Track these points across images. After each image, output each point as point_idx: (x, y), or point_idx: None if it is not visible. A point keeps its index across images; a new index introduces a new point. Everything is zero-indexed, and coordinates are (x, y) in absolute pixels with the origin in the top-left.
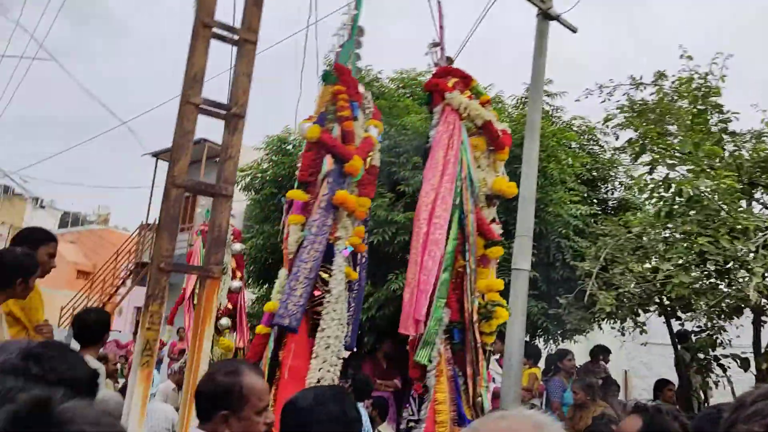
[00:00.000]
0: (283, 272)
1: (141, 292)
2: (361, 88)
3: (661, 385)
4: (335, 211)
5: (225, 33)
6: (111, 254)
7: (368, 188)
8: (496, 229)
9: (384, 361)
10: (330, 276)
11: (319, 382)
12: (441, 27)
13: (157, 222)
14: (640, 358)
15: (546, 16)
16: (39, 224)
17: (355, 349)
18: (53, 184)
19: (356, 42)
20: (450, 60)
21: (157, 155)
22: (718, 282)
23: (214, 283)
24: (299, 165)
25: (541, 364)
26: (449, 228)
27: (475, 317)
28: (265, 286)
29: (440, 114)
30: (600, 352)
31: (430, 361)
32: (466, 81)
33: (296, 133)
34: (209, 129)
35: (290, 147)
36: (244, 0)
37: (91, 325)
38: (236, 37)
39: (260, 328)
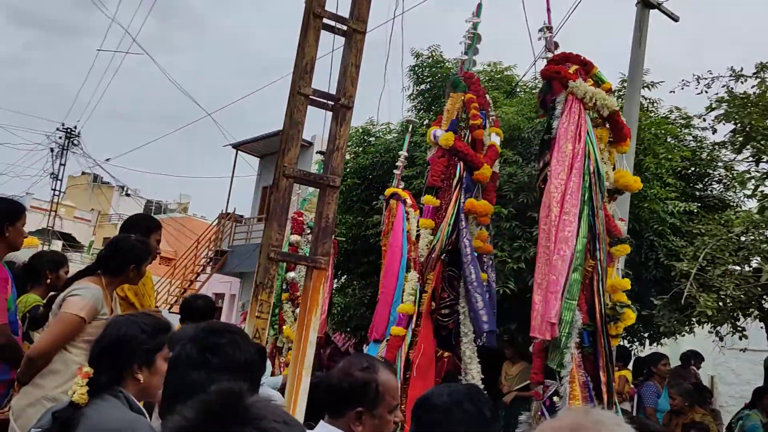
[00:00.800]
0: (413, 275)
1: (219, 278)
2: (486, 96)
3: (762, 393)
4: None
5: (334, 23)
6: (191, 242)
7: (491, 194)
8: (621, 226)
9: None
10: (457, 280)
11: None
12: (549, 10)
13: (267, 208)
14: (728, 364)
15: (646, 4)
16: (124, 211)
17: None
18: (139, 174)
19: (474, 49)
20: (557, 45)
21: (237, 146)
22: None
23: (321, 274)
24: (428, 170)
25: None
26: (579, 225)
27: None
28: (344, 277)
29: (564, 103)
30: (692, 357)
31: (563, 366)
32: (587, 67)
33: (379, 126)
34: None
35: (373, 139)
36: None
37: (200, 309)
38: (345, 28)
39: (397, 330)
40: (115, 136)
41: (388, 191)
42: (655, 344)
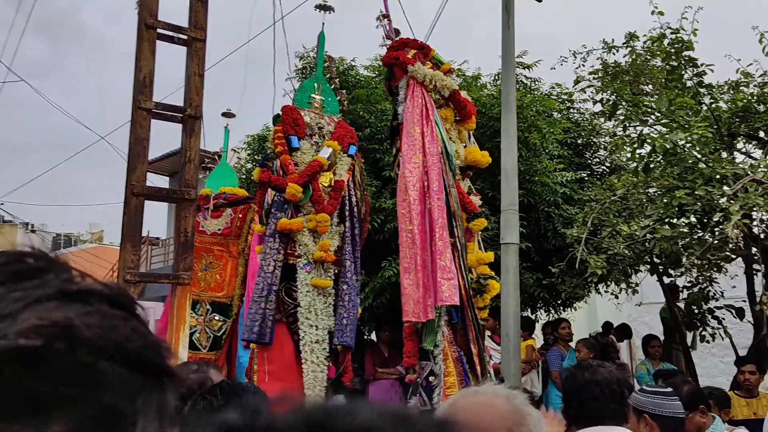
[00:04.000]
0: None
1: (141, 305)
2: (307, 118)
3: (645, 342)
4: (287, 236)
5: (171, 33)
6: (107, 272)
7: (329, 204)
8: (476, 200)
9: (385, 349)
10: (295, 291)
11: (314, 381)
12: None
13: (121, 230)
14: (641, 319)
15: None
16: None
17: (352, 346)
18: (42, 208)
19: (326, 69)
20: (398, 32)
21: None
22: (703, 233)
23: (186, 290)
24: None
25: (537, 335)
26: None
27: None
28: None
29: (405, 88)
30: (614, 330)
31: (436, 345)
32: (424, 51)
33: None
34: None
35: (269, 145)
36: None
37: None
38: (185, 37)
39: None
40: (11, 169)
41: (254, 228)
42: (568, 310)
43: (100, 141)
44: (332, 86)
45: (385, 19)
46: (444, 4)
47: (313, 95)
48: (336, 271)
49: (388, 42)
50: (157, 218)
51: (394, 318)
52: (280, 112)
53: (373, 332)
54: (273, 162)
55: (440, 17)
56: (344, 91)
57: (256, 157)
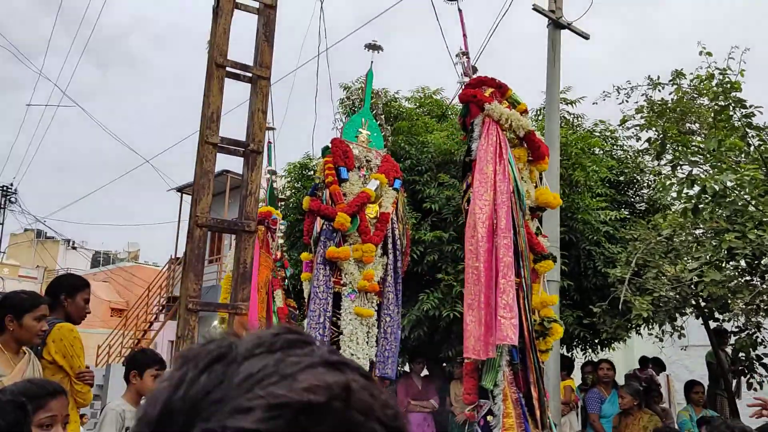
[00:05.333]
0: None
1: (173, 325)
2: (356, 151)
3: (688, 387)
4: (334, 264)
5: (238, 71)
6: (143, 290)
7: (375, 234)
8: (544, 242)
9: (419, 381)
10: (339, 319)
11: None
12: (465, 35)
13: (183, 259)
14: (681, 362)
15: (557, 25)
16: (71, 265)
17: (393, 378)
18: (84, 225)
19: (373, 105)
20: (475, 69)
21: (181, 190)
22: (752, 278)
23: (243, 319)
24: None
25: (576, 375)
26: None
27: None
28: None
29: (481, 126)
30: (650, 362)
31: (496, 384)
32: (502, 90)
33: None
34: (231, 159)
35: (312, 173)
36: (255, 37)
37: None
38: (250, 75)
39: None
40: (56, 189)
41: (302, 256)
42: (605, 350)
43: (144, 163)
44: (378, 122)
45: (465, 57)
46: (488, 37)
47: (360, 129)
48: (378, 302)
49: (466, 79)
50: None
51: (429, 350)
52: (330, 144)
53: (407, 363)
54: (322, 192)
55: (482, 50)
56: (389, 126)
57: (295, 184)
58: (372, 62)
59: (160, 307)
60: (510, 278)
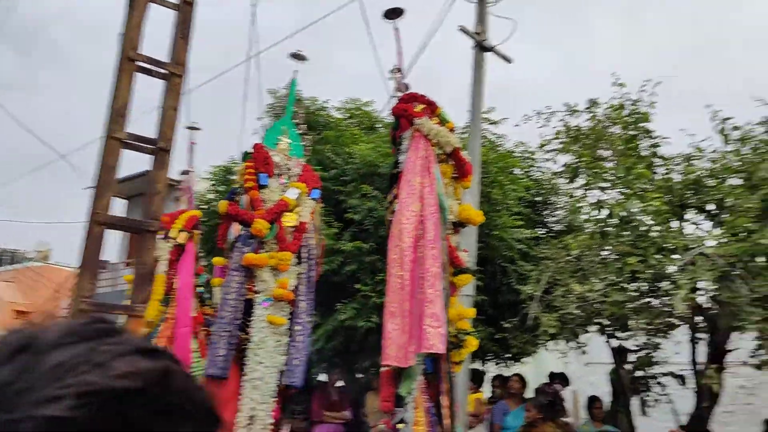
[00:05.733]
0: None
1: None
2: (276, 158)
3: (590, 403)
4: (249, 270)
5: (151, 67)
6: (51, 292)
7: (292, 243)
8: (464, 256)
9: (334, 392)
10: (249, 326)
11: (251, 420)
12: (400, 53)
13: (80, 256)
14: (587, 378)
15: (482, 48)
16: None
17: (300, 387)
18: None
19: (295, 115)
20: (407, 86)
21: None
22: (650, 299)
23: (139, 323)
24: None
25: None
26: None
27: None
28: None
29: (410, 140)
30: (558, 378)
31: (409, 392)
32: (432, 107)
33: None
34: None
35: (235, 177)
36: (172, 34)
37: None
38: (163, 71)
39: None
40: None
41: (213, 260)
42: (516, 364)
43: (59, 159)
44: (299, 131)
45: (398, 73)
46: (418, 55)
47: (280, 137)
48: (291, 311)
49: (399, 94)
50: (110, 241)
51: (345, 361)
52: (251, 150)
53: (321, 374)
54: (240, 197)
55: (414, 67)
56: (310, 136)
57: (218, 188)
58: (296, 71)
59: (69, 311)
60: (438, 288)
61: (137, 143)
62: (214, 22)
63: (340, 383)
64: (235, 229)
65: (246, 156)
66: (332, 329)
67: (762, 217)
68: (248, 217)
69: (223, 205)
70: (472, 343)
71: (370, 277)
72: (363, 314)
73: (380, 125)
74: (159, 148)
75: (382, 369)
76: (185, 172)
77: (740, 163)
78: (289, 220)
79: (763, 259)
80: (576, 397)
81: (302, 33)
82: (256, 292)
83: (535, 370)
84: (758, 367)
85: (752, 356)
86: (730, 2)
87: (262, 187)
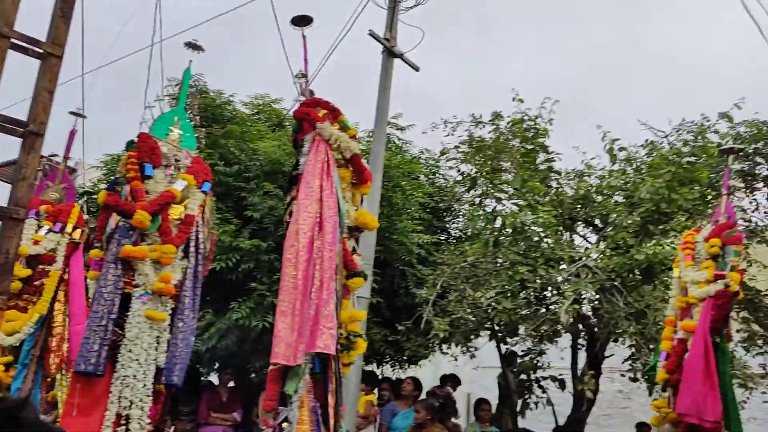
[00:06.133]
0: None
1: None
2: (164, 148)
3: (477, 405)
4: (128, 263)
5: (27, 45)
6: None
7: (177, 236)
8: (358, 260)
9: (225, 393)
10: (125, 321)
11: (120, 418)
12: (306, 60)
13: None
14: (481, 381)
15: (390, 53)
16: None
17: (179, 386)
18: None
19: (188, 105)
20: (312, 92)
21: None
22: (538, 308)
23: (1, 314)
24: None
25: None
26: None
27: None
28: None
29: (311, 143)
30: (449, 380)
31: (296, 391)
32: (335, 113)
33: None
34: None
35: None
36: (51, 11)
37: None
38: (40, 51)
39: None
40: None
41: (91, 253)
42: (412, 367)
43: None
44: (192, 123)
45: (303, 78)
46: (328, 55)
47: (171, 128)
48: (173, 307)
49: (302, 98)
50: None
51: (237, 361)
52: (136, 139)
53: (212, 374)
54: (122, 187)
55: (334, 70)
56: (209, 129)
57: (111, 178)
58: (191, 61)
59: None
60: (332, 290)
61: (4, 124)
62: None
63: (231, 384)
64: (114, 220)
65: (130, 145)
66: (225, 328)
67: (639, 233)
68: (128, 207)
69: (101, 195)
70: (361, 345)
71: (267, 276)
72: (258, 313)
73: (288, 123)
74: (29, 132)
75: (271, 368)
76: (64, 158)
77: (624, 182)
78: (175, 212)
79: (639, 274)
80: (469, 399)
81: (216, 24)
82: (136, 286)
83: (432, 373)
84: (633, 379)
85: (629, 369)
86: (632, 30)
87: (146, 177)
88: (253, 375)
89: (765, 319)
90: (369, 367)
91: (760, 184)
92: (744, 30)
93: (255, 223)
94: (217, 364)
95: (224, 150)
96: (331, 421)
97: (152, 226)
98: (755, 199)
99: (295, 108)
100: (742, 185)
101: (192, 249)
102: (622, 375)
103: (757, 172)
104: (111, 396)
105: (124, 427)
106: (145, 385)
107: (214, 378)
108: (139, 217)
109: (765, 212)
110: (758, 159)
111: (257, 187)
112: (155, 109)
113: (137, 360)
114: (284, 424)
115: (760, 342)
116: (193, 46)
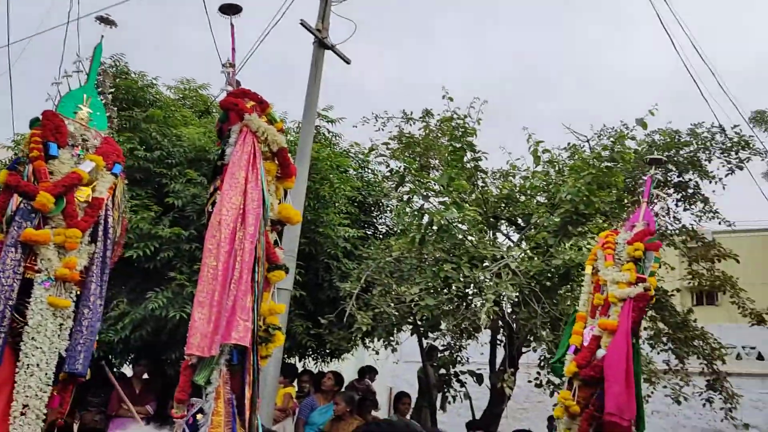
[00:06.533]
0: None
1: None
2: (71, 127)
3: (397, 398)
4: (29, 247)
5: None
6: None
7: (83, 219)
8: (280, 253)
9: (138, 385)
10: (26, 308)
11: (25, 408)
12: (233, 49)
13: None
14: (403, 376)
15: (321, 45)
16: None
17: (87, 376)
18: None
19: (99, 83)
20: (238, 82)
21: None
22: (460, 304)
23: None
24: None
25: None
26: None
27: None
28: None
29: (238, 134)
30: (367, 372)
31: (209, 382)
32: (263, 106)
33: None
34: None
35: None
36: None
37: None
38: None
39: None
40: None
41: None
42: (335, 361)
43: None
44: (103, 101)
45: (231, 68)
46: (257, 44)
47: (80, 106)
48: (78, 293)
49: (229, 88)
50: None
51: (152, 352)
52: (40, 117)
53: (125, 365)
54: (25, 167)
55: (269, 59)
56: (115, 108)
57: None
58: (102, 36)
59: None
60: (249, 282)
61: None
62: None
63: (145, 376)
64: (15, 201)
65: (34, 123)
66: (141, 318)
67: (559, 233)
68: (30, 189)
69: (2, 175)
70: (280, 338)
71: (187, 265)
72: (176, 304)
73: (215, 110)
74: None
75: (185, 359)
76: None
77: (546, 183)
78: (81, 195)
79: (557, 277)
80: (391, 393)
81: (145, 4)
82: (38, 272)
83: (354, 367)
84: (538, 385)
85: (538, 374)
86: (560, 36)
87: (51, 157)
88: (170, 367)
89: (670, 318)
90: (291, 360)
91: (671, 191)
92: (664, 40)
93: (176, 210)
94: (131, 356)
95: (145, 134)
96: (247, 413)
97: (56, 209)
98: (666, 205)
99: (221, 97)
100: (666, 196)
101: (100, 233)
102: (538, 373)
103: (669, 179)
104: (17, 386)
105: (21, 418)
106: (46, 374)
107: (128, 370)
108: (42, 199)
109: (674, 217)
110: (669, 166)
111: (180, 174)
112: (64, 87)
113: (40, 348)
114: (198, 416)
115: (664, 339)
116: (105, 20)
